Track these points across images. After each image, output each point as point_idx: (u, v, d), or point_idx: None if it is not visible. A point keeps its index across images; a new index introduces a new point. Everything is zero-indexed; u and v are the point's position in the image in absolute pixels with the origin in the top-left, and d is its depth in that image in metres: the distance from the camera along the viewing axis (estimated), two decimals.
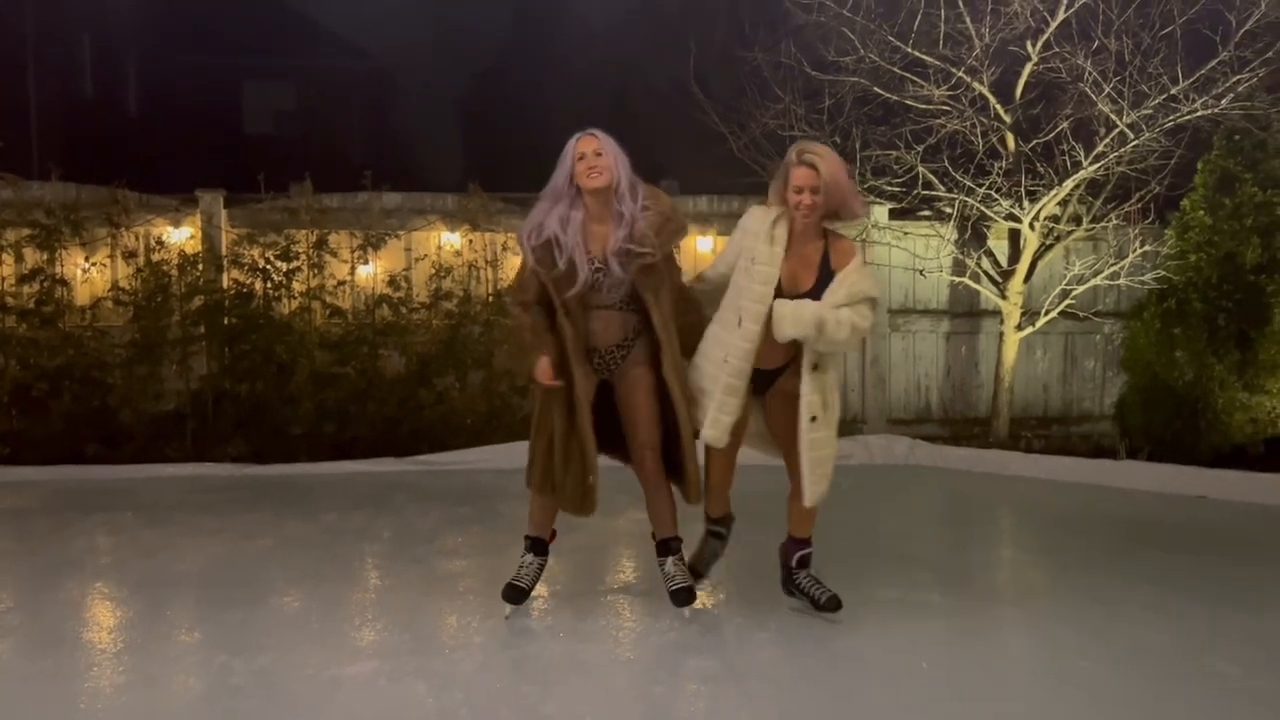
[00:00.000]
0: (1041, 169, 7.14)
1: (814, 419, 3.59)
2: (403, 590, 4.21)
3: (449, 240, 7.73)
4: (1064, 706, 3.14)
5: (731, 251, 3.72)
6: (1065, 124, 7.00)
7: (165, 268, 7.30)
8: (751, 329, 3.54)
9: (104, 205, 7.28)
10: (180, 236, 7.47)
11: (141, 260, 7.31)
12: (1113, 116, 6.84)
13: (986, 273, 7.60)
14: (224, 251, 7.42)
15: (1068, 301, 7.46)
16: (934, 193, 7.41)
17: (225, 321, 7.33)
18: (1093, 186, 7.30)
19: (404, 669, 3.34)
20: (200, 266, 7.35)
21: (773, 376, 3.67)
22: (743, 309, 3.56)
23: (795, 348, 3.59)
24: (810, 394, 3.58)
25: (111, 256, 7.36)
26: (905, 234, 7.90)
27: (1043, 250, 7.45)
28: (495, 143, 15.38)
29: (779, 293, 3.55)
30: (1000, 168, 7.24)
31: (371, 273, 7.63)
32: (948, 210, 7.53)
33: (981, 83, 7.07)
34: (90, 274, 7.34)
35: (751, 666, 3.43)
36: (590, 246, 3.60)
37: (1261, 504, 6.09)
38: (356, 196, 7.67)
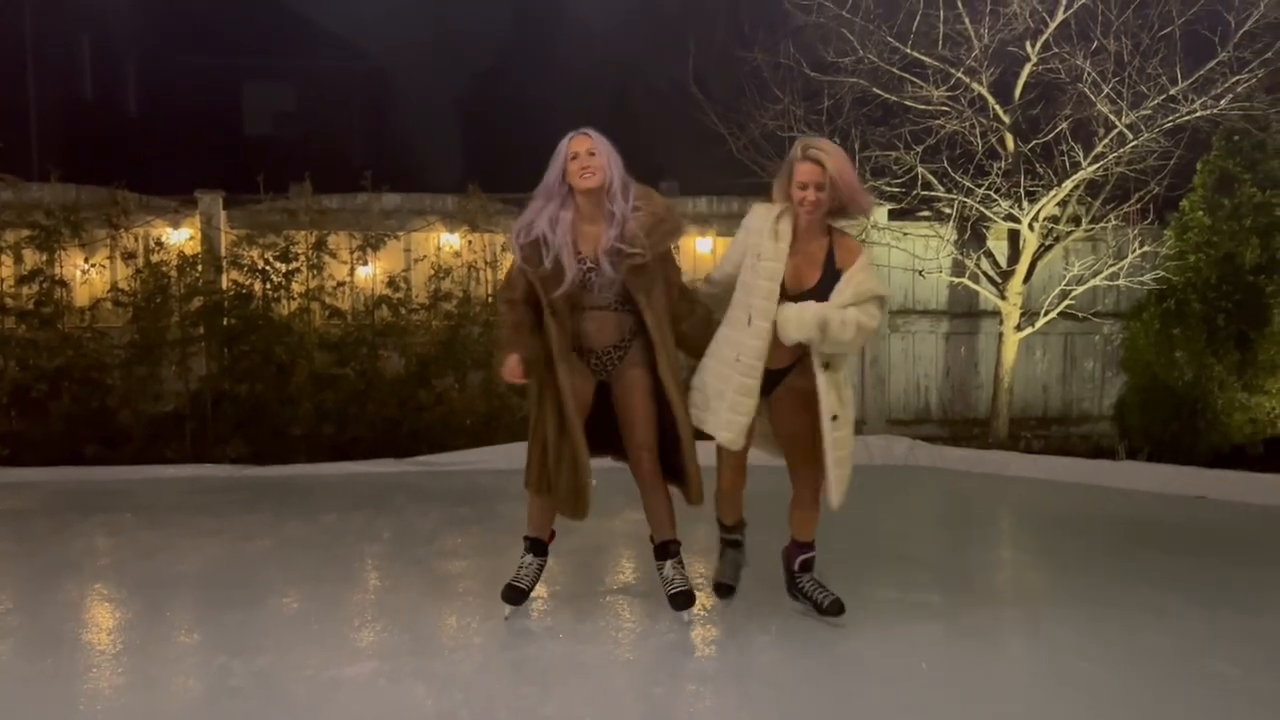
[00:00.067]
0: (1040, 169, 7.14)
1: (835, 418, 3.55)
2: (402, 591, 4.21)
3: (448, 241, 7.73)
4: (1063, 707, 3.14)
5: (736, 251, 3.68)
6: (1064, 124, 7.01)
7: (164, 269, 7.30)
8: (762, 326, 3.50)
9: (103, 206, 7.28)
10: (179, 237, 7.48)
11: (141, 261, 7.31)
12: (1112, 117, 6.85)
13: (986, 273, 7.61)
14: (223, 252, 7.42)
15: (1067, 302, 7.46)
16: (933, 193, 7.42)
17: (224, 322, 7.33)
18: (1092, 187, 7.30)
19: (403, 670, 3.34)
20: (199, 267, 7.35)
21: (779, 376, 3.64)
22: (752, 307, 3.52)
23: (803, 347, 3.56)
24: (826, 393, 3.54)
25: (111, 257, 7.36)
26: (904, 234, 7.90)
27: (1042, 251, 7.45)
28: (495, 143, 15.37)
29: (783, 291, 3.52)
30: (999, 168, 7.25)
31: (371, 274, 7.63)
32: (947, 211, 7.53)
33: (980, 83, 7.07)
34: (89, 275, 7.33)
35: (751, 668, 3.43)
36: (581, 246, 3.58)
37: (1261, 504, 6.09)
38: (356, 197, 7.67)
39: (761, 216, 3.61)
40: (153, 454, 7.00)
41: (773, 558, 3.96)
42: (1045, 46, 7.03)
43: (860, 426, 8.01)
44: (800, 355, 3.60)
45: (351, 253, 7.58)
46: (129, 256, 7.31)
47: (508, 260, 7.56)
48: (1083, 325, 8.09)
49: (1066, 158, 7.03)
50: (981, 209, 7.32)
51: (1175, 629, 3.82)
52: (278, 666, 3.38)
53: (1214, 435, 7.02)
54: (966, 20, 6.90)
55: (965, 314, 8.34)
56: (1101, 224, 7.28)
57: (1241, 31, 6.60)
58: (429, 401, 7.40)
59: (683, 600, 3.72)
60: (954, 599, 4.16)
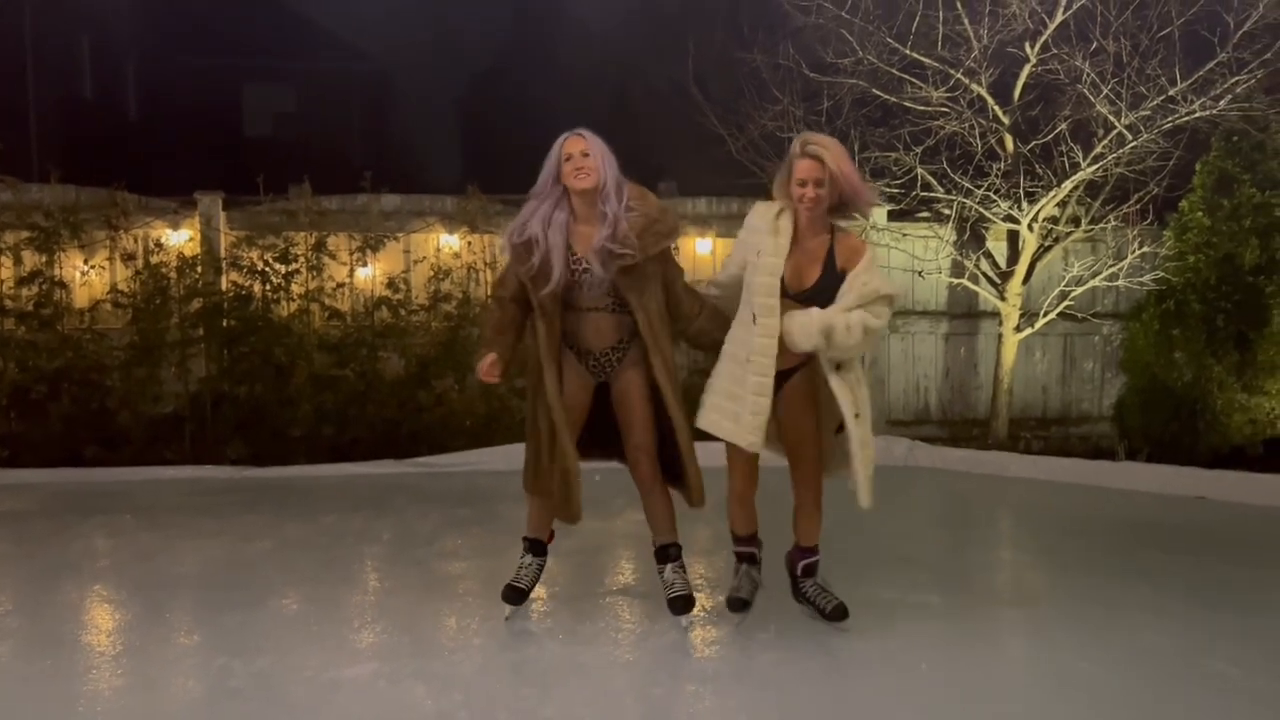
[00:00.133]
0: (1040, 170, 7.14)
1: (857, 415, 3.51)
2: (402, 592, 4.21)
3: (448, 242, 7.73)
4: (1063, 707, 3.14)
5: (739, 251, 3.64)
6: (1063, 125, 7.01)
7: (164, 270, 7.29)
8: (768, 323, 3.45)
9: (103, 207, 7.28)
10: (179, 239, 7.47)
11: (140, 263, 7.30)
12: (1111, 118, 6.85)
13: (985, 274, 7.61)
14: (223, 254, 7.42)
15: (1066, 303, 7.46)
16: (933, 194, 7.42)
17: (224, 324, 7.32)
18: (1091, 188, 7.30)
19: (403, 671, 3.34)
20: (199, 269, 7.34)
21: (786, 376, 3.58)
22: (754, 306, 3.49)
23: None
24: (842, 394, 3.50)
25: (110, 259, 7.36)
26: (904, 235, 7.90)
27: (1041, 251, 7.46)
28: (495, 144, 15.37)
29: (783, 289, 3.48)
30: (999, 169, 7.25)
31: (370, 275, 7.63)
32: (946, 212, 7.54)
33: (980, 84, 7.08)
34: (89, 276, 7.33)
35: (751, 668, 3.43)
36: (576, 247, 3.57)
37: (1260, 505, 6.09)
38: (355, 198, 7.67)
39: (762, 215, 3.58)
40: (152, 455, 7.00)
41: (771, 557, 3.95)
42: (1044, 47, 7.03)
43: None
44: (808, 356, 3.57)
45: (351, 254, 7.58)
46: (128, 258, 7.31)
47: (505, 261, 7.58)
48: (1082, 326, 8.09)
49: (1066, 158, 7.03)
50: (981, 210, 7.32)
51: (1175, 629, 3.82)
52: (277, 668, 3.38)
53: (1213, 436, 7.03)
54: (966, 21, 6.90)
55: (965, 315, 8.34)
56: (1101, 225, 7.28)
57: (1240, 32, 6.60)
58: (429, 403, 7.40)
59: (681, 605, 3.70)
60: (954, 599, 4.16)
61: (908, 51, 7.02)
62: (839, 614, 3.70)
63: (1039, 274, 7.58)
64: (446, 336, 7.44)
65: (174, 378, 7.25)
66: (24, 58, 14.35)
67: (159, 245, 7.38)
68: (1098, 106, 6.84)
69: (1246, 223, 7.01)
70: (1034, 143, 7.17)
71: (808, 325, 3.42)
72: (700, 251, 7.90)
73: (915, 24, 6.93)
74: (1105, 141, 6.93)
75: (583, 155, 3.54)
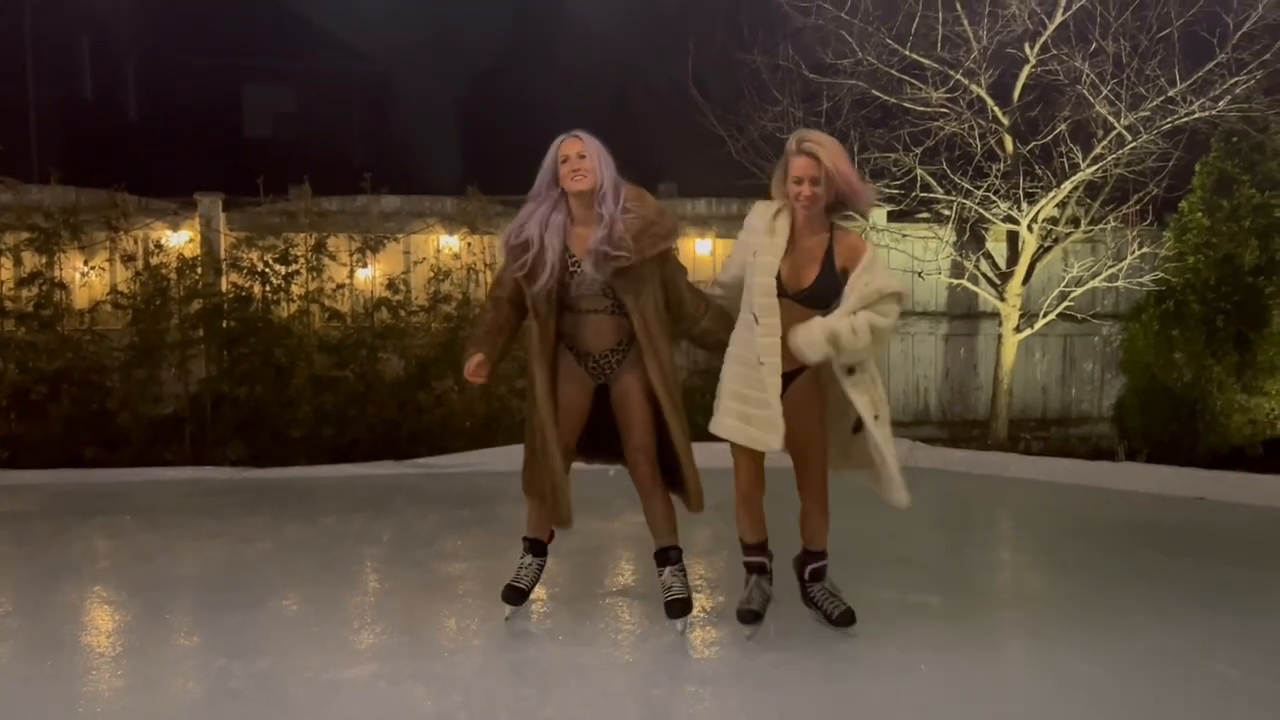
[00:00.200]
0: (1039, 171, 7.15)
1: (876, 417, 3.49)
2: (402, 593, 4.21)
3: (448, 243, 7.74)
4: (1063, 708, 3.14)
5: (740, 252, 3.62)
6: (1063, 126, 7.01)
7: (164, 271, 7.30)
8: (770, 323, 3.41)
9: (103, 209, 7.29)
10: (179, 240, 7.48)
11: (140, 264, 7.31)
12: (1110, 119, 6.85)
13: (985, 275, 7.61)
14: (223, 255, 7.43)
15: (1066, 303, 7.47)
16: (932, 195, 7.42)
17: (224, 325, 7.33)
18: (1091, 188, 7.30)
19: (403, 672, 3.34)
20: (199, 270, 7.35)
21: (790, 378, 3.51)
22: (754, 306, 3.45)
23: None
24: (858, 398, 3.47)
25: (110, 260, 7.36)
26: (904, 236, 7.90)
27: (1041, 252, 7.46)
28: (494, 144, 15.38)
29: (781, 289, 3.45)
30: (998, 170, 7.25)
31: (370, 276, 7.64)
32: (946, 212, 7.54)
33: (979, 85, 7.08)
34: (89, 277, 7.34)
35: (751, 669, 3.43)
36: (574, 248, 3.57)
37: (1260, 505, 6.09)
38: (355, 199, 7.68)
39: (760, 214, 3.56)
40: (152, 456, 7.00)
41: (774, 559, 3.95)
42: (1044, 48, 7.03)
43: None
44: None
45: (351, 255, 7.58)
46: (128, 259, 7.31)
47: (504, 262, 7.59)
48: (1082, 326, 8.10)
49: (1065, 159, 7.04)
50: (980, 210, 7.32)
51: (1175, 630, 3.82)
52: (277, 669, 3.38)
53: (1213, 436, 7.03)
54: (965, 22, 6.91)
55: (964, 315, 8.35)
56: (1100, 225, 7.28)
57: (1240, 33, 6.60)
58: (428, 404, 7.40)
59: (678, 608, 3.69)
60: (954, 600, 4.16)
61: (907, 52, 7.03)
62: (846, 619, 3.66)
63: (1039, 275, 7.58)
64: (446, 337, 7.44)
65: (174, 379, 7.26)
66: (24, 58, 14.36)
67: (159, 246, 7.38)
68: (1097, 107, 6.84)
69: (1246, 223, 7.01)
70: (1033, 143, 7.17)
71: (812, 336, 3.38)
72: (700, 252, 7.91)
73: (915, 25, 6.93)
74: (1105, 142, 6.93)
75: (579, 157, 3.53)
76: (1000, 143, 7.33)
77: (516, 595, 3.82)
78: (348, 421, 7.24)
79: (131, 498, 6.17)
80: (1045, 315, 7.51)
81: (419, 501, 6.05)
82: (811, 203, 3.44)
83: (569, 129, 3.63)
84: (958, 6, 6.90)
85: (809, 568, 3.74)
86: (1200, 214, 7.16)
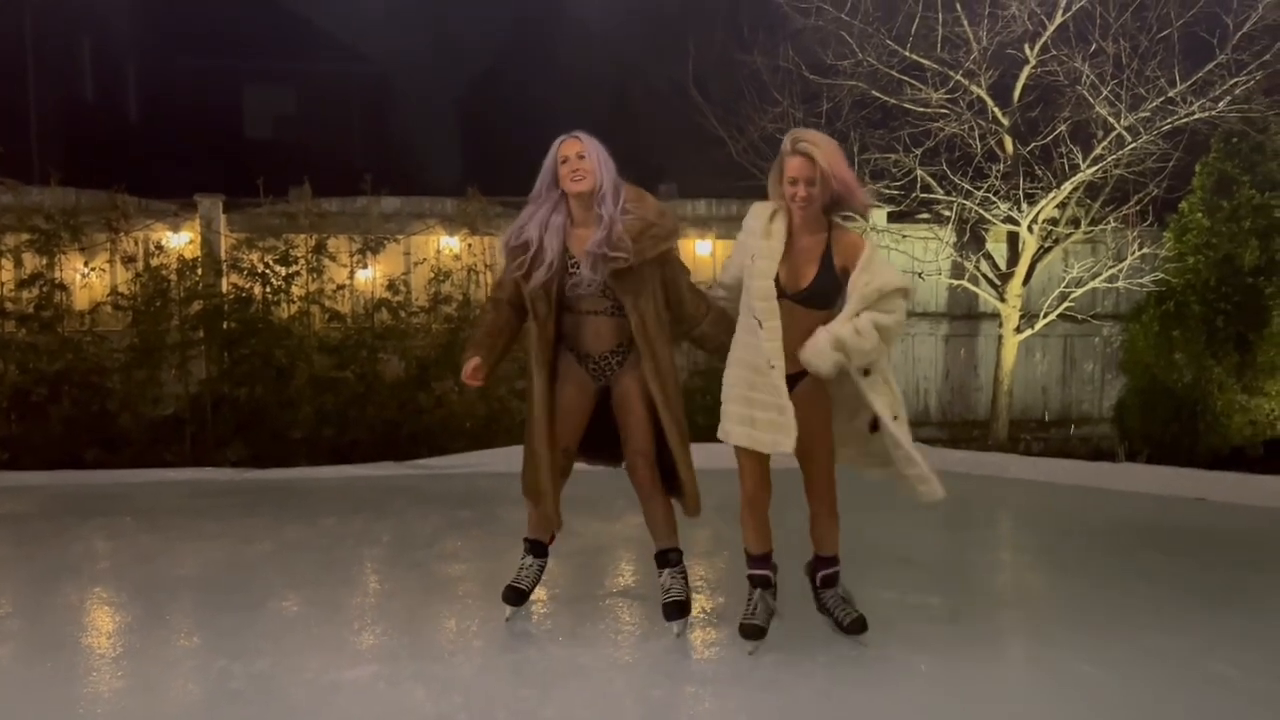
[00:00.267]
0: (1039, 172, 7.15)
1: (896, 417, 3.48)
2: (402, 594, 4.21)
3: (448, 244, 7.74)
4: (1063, 708, 3.14)
5: (739, 254, 3.59)
6: (1063, 127, 7.01)
7: (164, 272, 7.30)
8: (772, 325, 3.39)
9: (103, 210, 7.28)
10: (179, 241, 7.48)
11: (140, 265, 7.31)
12: (1110, 119, 6.85)
13: (985, 275, 7.61)
14: (223, 256, 7.43)
15: (1066, 304, 7.47)
16: (932, 196, 7.42)
17: (224, 326, 7.33)
18: (1091, 189, 7.31)
19: (403, 673, 3.34)
20: (199, 271, 7.35)
21: (794, 380, 3.48)
22: (754, 309, 3.43)
23: None
24: (876, 399, 3.46)
25: (111, 261, 7.36)
26: (904, 237, 7.90)
27: (1041, 253, 7.46)
28: (495, 145, 15.37)
29: (780, 291, 3.43)
30: (998, 171, 7.25)
31: (370, 277, 7.64)
32: (946, 213, 7.54)
33: (979, 86, 7.08)
34: (89, 279, 7.33)
35: (750, 670, 3.43)
36: (574, 249, 3.57)
37: (1260, 506, 6.09)
38: (355, 201, 7.68)
39: (756, 216, 3.54)
40: (152, 457, 6.99)
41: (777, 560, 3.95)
42: (1044, 49, 7.03)
43: None
44: None
45: (351, 256, 7.58)
46: (129, 260, 7.31)
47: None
48: (1082, 327, 8.09)
49: (1065, 160, 7.04)
50: (980, 211, 7.33)
51: (1175, 630, 3.82)
52: (277, 670, 3.38)
53: (1213, 437, 7.03)
54: (965, 23, 6.91)
55: (965, 316, 8.35)
56: (1100, 226, 7.28)
57: (1240, 34, 6.61)
58: (429, 404, 7.40)
59: (675, 610, 3.68)
60: (954, 601, 4.16)
61: (907, 53, 7.03)
62: (858, 627, 3.61)
63: (1039, 275, 7.59)
64: (446, 338, 7.44)
65: (174, 380, 7.25)
66: (24, 59, 14.36)
67: (159, 248, 7.38)
68: (1097, 108, 6.84)
69: (1246, 224, 7.01)
70: (1033, 144, 7.17)
71: (820, 348, 3.36)
72: (700, 253, 7.91)
73: (915, 26, 6.93)
74: (1105, 143, 6.93)
75: (578, 158, 3.53)
76: (1000, 143, 7.33)
77: (517, 596, 3.82)
78: (348, 422, 7.24)
79: (132, 499, 6.17)
80: (1045, 316, 7.51)
81: (419, 502, 6.05)
82: (807, 203, 3.42)
83: (569, 129, 3.62)
84: (958, 7, 6.90)
85: (821, 574, 3.69)
86: (1200, 215, 7.16)
